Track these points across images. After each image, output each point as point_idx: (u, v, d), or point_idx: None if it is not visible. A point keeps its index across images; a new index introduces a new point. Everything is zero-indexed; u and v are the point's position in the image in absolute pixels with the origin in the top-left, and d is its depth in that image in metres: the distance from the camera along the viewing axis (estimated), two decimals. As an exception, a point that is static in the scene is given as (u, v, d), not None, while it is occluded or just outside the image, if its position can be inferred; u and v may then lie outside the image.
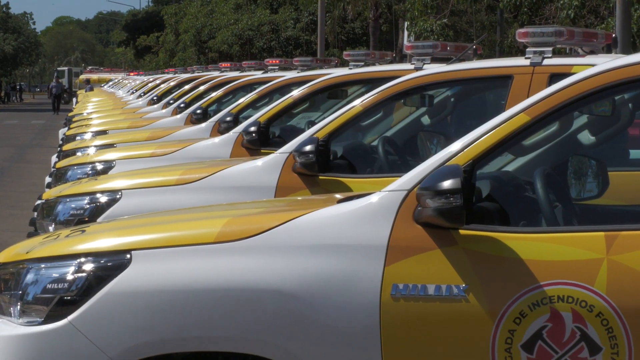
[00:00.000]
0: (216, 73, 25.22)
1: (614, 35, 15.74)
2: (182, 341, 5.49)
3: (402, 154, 10.00)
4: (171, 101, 22.98)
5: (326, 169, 9.20)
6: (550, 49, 8.86)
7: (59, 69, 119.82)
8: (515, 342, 5.17)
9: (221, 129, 13.84)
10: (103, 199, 9.78)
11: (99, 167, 12.48)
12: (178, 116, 19.02)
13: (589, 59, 8.72)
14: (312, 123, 12.67)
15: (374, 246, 5.35)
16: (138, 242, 5.70)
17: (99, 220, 9.19)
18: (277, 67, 19.38)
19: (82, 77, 76.39)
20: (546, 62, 8.76)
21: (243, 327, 5.41)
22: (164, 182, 9.76)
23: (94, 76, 69.26)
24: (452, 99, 10.79)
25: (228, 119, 14.23)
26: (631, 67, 5.47)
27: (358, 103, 9.70)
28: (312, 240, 5.46)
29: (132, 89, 39.63)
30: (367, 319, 5.28)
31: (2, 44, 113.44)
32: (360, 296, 5.30)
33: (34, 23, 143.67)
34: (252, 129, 11.63)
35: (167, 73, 41.34)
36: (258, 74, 19.71)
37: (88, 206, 9.81)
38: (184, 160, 11.65)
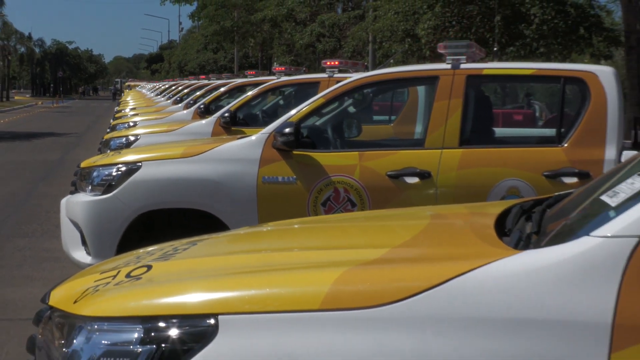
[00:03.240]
0: (186, 82, 24.86)
1: (366, 64, 15.80)
2: (166, 202, 5.34)
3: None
4: (167, 94, 22.68)
5: (237, 125, 9.04)
6: (337, 69, 8.85)
7: (116, 80, 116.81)
8: (318, 202, 5.15)
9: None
10: (131, 138, 9.54)
11: (131, 124, 12.24)
12: (169, 101, 18.76)
13: (354, 74, 8.71)
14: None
15: (253, 159, 5.26)
16: (145, 158, 5.53)
17: (131, 147, 8.96)
18: (215, 77, 19.16)
19: (126, 83, 74.25)
20: (335, 75, 8.74)
21: (195, 197, 5.29)
22: (161, 131, 9.55)
23: (132, 83, 67.33)
24: (292, 92, 10.67)
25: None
26: (368, 77, 5.50)
27: (251, 93, 9.52)
28: (225, 156, 5.35)
29: (149, 89, 38.67)
30: (251, 193, 5.21)
31: (89, 68, 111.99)
32: (247, 182, 5.22)
33: (104, 58, 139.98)
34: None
35: (165, 82, 40.38)
36: (211, 81, 19.45)
37: (125, 141, 9.57)
38: (174, 119, 11.44)
